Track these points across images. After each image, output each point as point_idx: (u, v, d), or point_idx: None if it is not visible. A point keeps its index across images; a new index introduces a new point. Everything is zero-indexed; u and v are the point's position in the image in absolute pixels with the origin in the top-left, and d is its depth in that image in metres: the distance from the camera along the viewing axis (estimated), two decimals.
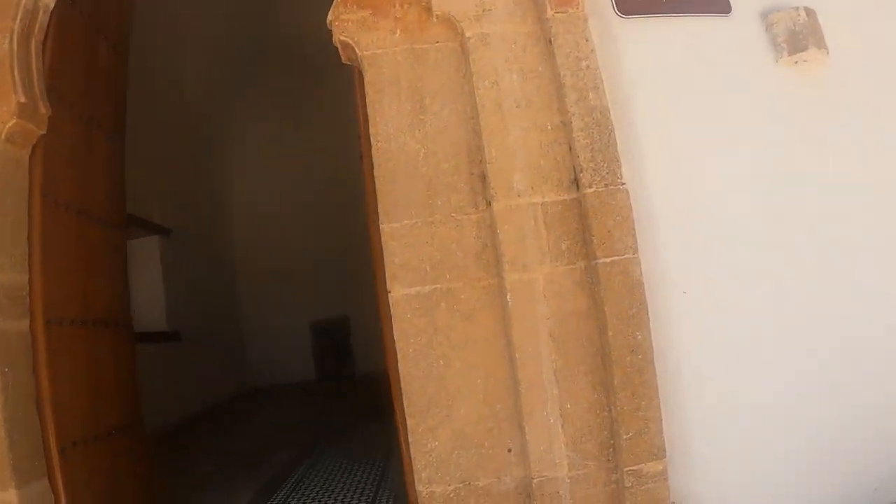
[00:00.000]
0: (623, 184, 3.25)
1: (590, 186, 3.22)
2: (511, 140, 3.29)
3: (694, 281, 3.34)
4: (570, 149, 3.30)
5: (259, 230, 9.69)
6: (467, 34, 3.39)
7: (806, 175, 3.46)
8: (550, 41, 3.37)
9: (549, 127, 3.34)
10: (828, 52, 3.36)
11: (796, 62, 3.55)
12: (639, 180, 3.35)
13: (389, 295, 3.29)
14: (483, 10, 3.44)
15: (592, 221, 3.20)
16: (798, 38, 3.55)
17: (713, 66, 3.52)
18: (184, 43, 7.79)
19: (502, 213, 3.23)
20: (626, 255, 3.21)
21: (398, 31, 3.49)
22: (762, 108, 3.50)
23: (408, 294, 3.28)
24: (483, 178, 3.31)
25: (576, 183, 3.27)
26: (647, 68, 3.47)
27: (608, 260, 3.19)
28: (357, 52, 3.49)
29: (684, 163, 3.42)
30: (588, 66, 3.34)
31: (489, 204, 3.27)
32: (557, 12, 3.38)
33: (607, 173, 3.24)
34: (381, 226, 3.32)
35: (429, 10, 3.45)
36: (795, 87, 3.53)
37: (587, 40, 3.39)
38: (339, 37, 3.50)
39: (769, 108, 3.51)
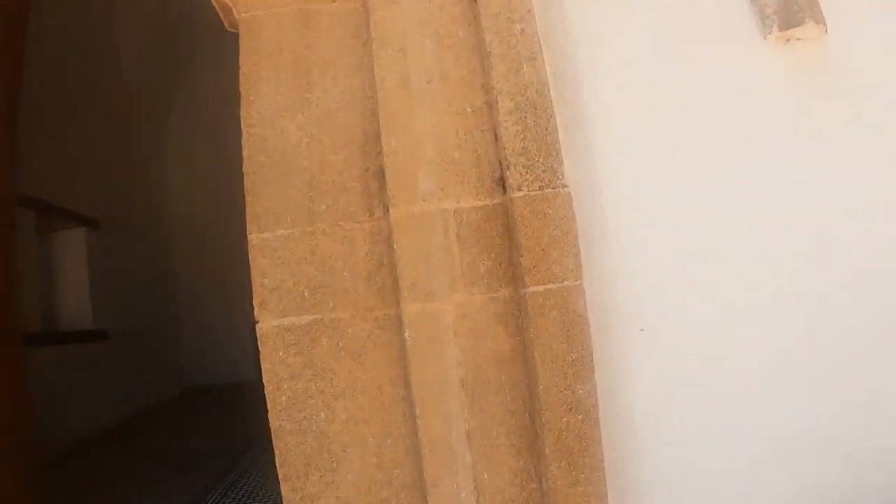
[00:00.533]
0: (565, 186, 2.45)
1: (519, 189, 2.43)
2: (418, 126, 2.50)
3: (656, 315, 2.54)
4: (497, 138, 2.49)
5: (199, 223, 8.95)
6: None
7: (802, 187, 2.63)
8: None
9: (469, 109, 2.54)
10: (826, 30, 2.64)
11: (788, 40, 2.72)
12: (588, 181, 2.55)
13: (257, 326, 2.52)
14: None
15: (522, 236, 2.40)
16: (792, 10, 2.73)
17: (687, 39, 2.70)
18: (120, 20, 7.07)
19: (402, 222, 2.44)
20: (565, 283, 2.41)
21: None
22: (747, 97, 2.66)
23: (280, 326, 2.51)
24: (380, 175, 2.51)
25: (502, 184, 2.48)
26: (603, 36, 2.66)
27: (541, 288, 2.39)
28: (235, 13, 2.71)
29: (648, 161, 2.60)
30: (524, 31, 2.54)
31: (387, 210, 2.48)
32: None
33: (543, 171, 2.44)
34: (249, 236, 2.54)
35: None
36: (788, 73, 2.69)
37: None
38: None
39: (756, 97, 2.67)
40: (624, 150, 2.59)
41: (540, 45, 2.54)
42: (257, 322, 2.53)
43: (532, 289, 2.39)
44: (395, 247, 2.44)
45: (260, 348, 2.53)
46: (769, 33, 2.85)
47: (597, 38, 2.66)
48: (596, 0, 2.69)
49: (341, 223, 2.53)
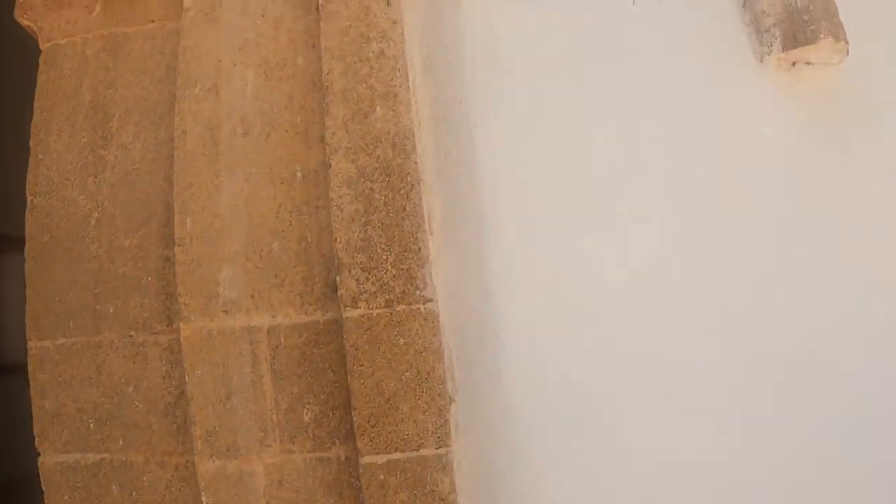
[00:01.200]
0: (428, 300, 1.57)
1: (354, 304, 1.58)
2: (225, 200, 1.71)
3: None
4: (331, 223, 1.65)
5: None
6: (187, 2, 1.84)
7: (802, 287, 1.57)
8: (319, 7, 1.72)
9: (300, 175, 1.71)
10: (847, 50, 1.84)
11: (794, 64, 1.83)
12: (472, 293, 1.64)
13: (39, 460, 1.89)
14: None
15: (355, 378, 1.56)
16: (801, 21, 1.83)
17: (645, 66, 1.72)
18: None
19: (195, 343, 1.68)
20: (420, 451, 1.54)
21: (98, 6, 2.01)
22: (729, 152, 1.69)
23: (63, 464, 1.86)
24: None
25: (336, 292, 1.63)
26: (513, 58, 1.71)
27: (381, 459, 1.55)
28: (40, 43, 2.07)
29: (576, 252, 1.64)
30: (382, 54, 1.66)
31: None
32: None
33: (394, 277, 1.57)
34: (28, 343, 1.92)
35: None
36: (792, 113, 1.78)
37: (389, 3, 1.70)
38: (21, 18, 2.10)
39: (742, 152, 1.69)
40: (536, 237, 1.64)
41: (406, 76, 1.65)
42: (39, 454, 1.91)
43: (368, 459, 1.54)
44: (186, 378, 1.69)
45: (44, 488, 1.91)
46: (767, 54, 1.86)
47: (504, 63, 1.71)
48: (507, 2, 1.74)
49: (132, 333, 1.81)
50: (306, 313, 1.66)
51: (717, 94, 1.82)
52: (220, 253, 1.69)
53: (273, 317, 1.67)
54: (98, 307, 1.84)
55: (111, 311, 1.83)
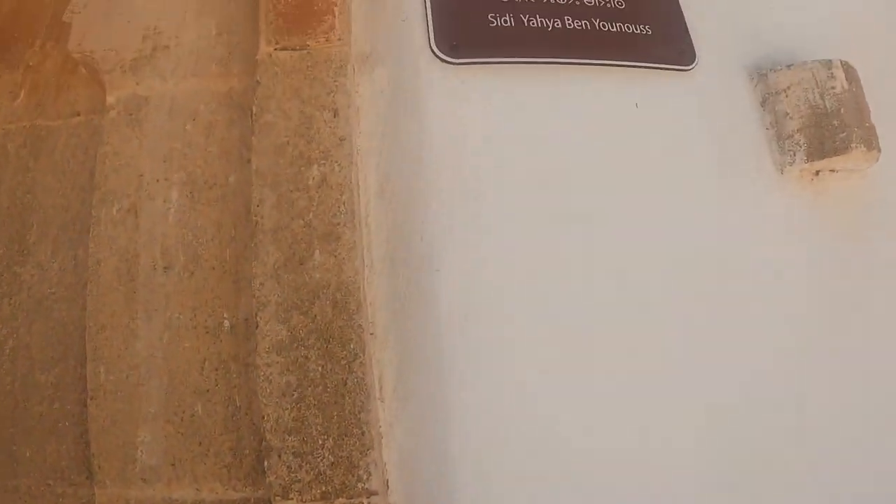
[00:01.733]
0: (373, 493, 1.29)
1: (286, 495, 1.30)
2: (142, 349, 1.45)
3: None
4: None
5: None
6: (110, 98, 1.56)
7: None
8: (253, 115, 1.42)
9: (227, 324, 1.44)
10: (878, 157, 1.67)
11: (818, 172, 1.64)
12: (433, 468, 1.35)
13: None
14: (153, 49, 1.58)
15: None
16: (830, 128, 1.62)
17: (645, 183, 1.45)
18: None
19: None
20: None
21: (23, 91, 1.75)
22: (750, 287, 1.50)
23: None
24: None
25: (263, 473, 1.36)
26: (493, 181, 1.40)
27: None
28: None
29: (557, 429, 1.33)
30: (325, 181, 1.37)
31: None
32: (281, 48, 1.42)
33: (335, 464, 1.29)
34: None
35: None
36: (814, 228, 1.60)
37: (337, 114, 1.38)
38: None
39: (764, 286, 1.51)
40: (506, 412, 1.33)
41: (353, 212, 1.34)
42: None
43: None
44: None
45: None
46: (790, 164, 1.64)
47: (476, 187, 1.39)
48: (487, 120, 1.42)
49: (50, 482, 1.58)
50: (234, 489, 1.40)
51: (729, 212, 1.57)
52: (136, 411, 1.43)
53: (197, 490, 1.41)
54: (14, 448, 1.61)
55: (28, 454, 1.60)
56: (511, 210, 1.41)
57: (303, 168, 1.36)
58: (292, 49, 1.44)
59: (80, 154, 1.65)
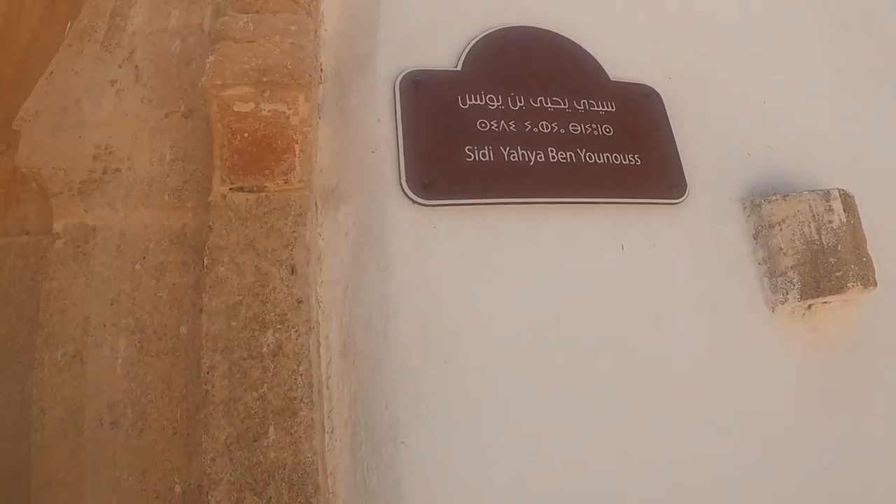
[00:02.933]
0: None
1: None
2: None
3: None
4: None
5: None
6: (57, 226, 1.44)
7: None
8: (205, 267, 1.30)
9: (178, 489, 1.33)
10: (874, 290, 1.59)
11: (810, 307, 1.56)
12: None
13: None
14: (103, 172, 1.47)
15: None
16: (827, 265, 1.53)
17: (638, 330, 1.42)
18: None
19: None
20: None
21: None
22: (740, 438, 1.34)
23: None
24: None
25: None
26: (467, 344, 1.30)
27: None
28: None
29: None
30: (280, 349, 1.26)
31: None
32: (237, 189, 1.30)
33: None
34: None
35: None
36: (808, 376, 1.51)
37: (295, 271, 1.28)
38: None
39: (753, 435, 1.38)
40: None
41: (311, 384, 1.23)
42: None
43: None
44: None
45: None
46: (781, 302, 1.55)
47: (450, 352, 1.28)
48: (440, 252, 1.30)
49: None
50: None
51: (717, 354, 1.48)
52: None
53: None
54: None
55: None
56: (488, 378, 1.30)
57: (257, 333, 1.25)
58: (249, 190, 1.31)
59: (27, 279, 1.54)
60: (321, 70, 1.51)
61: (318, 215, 1.39)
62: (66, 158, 1.49)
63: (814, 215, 1.55)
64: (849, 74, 1.85)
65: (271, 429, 1.23)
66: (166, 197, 1.43)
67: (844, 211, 1.56)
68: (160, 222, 1.41)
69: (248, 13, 1.35)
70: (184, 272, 1.38)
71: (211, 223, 1.31)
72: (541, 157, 1.41)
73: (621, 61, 1.61)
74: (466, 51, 1.48)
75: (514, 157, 1.39)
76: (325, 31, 1.53)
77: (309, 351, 1.25)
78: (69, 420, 1.38)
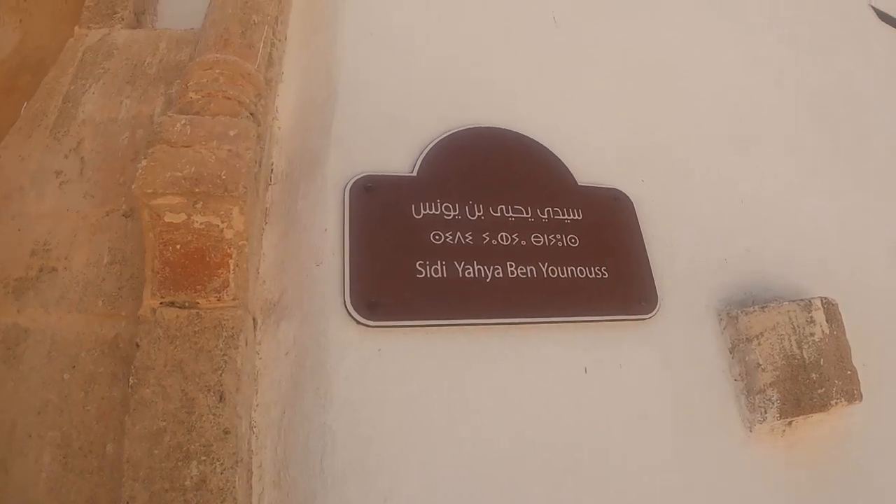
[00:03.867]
0: None
1: None
2: None
3: None
4: None
5: None
6: None
7: None
8: (130, 387, 1.22)
9: None
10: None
11: (791, 423, 1.46)
12: None
13: None
14: (39, 270, 1.44)
15: None
16: (806, 381, 1.42)
17: (605, 456, 1.31)
18: None
19: None
20: None
21: None
22: None
23: None
24: None
25: None
26: (415, 493, 1.19)
27: None
28: None
29: None
30: (204, 483, 1.17)
31: None
32: (168, 304, 1.23)
33: None
34: None
35: None
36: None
37: (223, 399, 1.20)
38: None
39: None
40: None
41: None
42: None
43: None
44: None
45: None
46: (760, 422, 1.43)
47: (380, 490, 1.18)
48: (385, 379, 1.20)
49: None
50: None
51: (691, 478, 1.36)
52: None
53: None
54: None
55: None
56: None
57: (180, 463, 1.17)
58: (180, 306, 1.24)
59: None
60: (272, 170, 1.44)
61: (258, 332, 1.31)
62: (4, 251, 1.44)
63: (794, 328, 1.45)
64: (830, 168, 1.75)
65: None
66: (100, 303, 1.36)
67: (827, 321, 1.46)
68: (93, 330, 1.34)
69: (188, 114, 1.28)
70: (113, 385, 1.31)
71: (139, 340, 1.23)
72: (499, 273, 1.32)
73: (590, 164, 1.52)
74: (423, 154, 1.40)
75: (469, 273, 1.31)
76: (279, 128, 1.46)
77: (234, 487, 1.16)
78: None
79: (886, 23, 2.42)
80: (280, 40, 1.53)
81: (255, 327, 1.31)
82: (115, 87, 1.56)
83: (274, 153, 1.45)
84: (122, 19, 1.71)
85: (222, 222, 1.21)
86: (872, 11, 2.46)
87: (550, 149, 1.51)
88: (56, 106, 1.56)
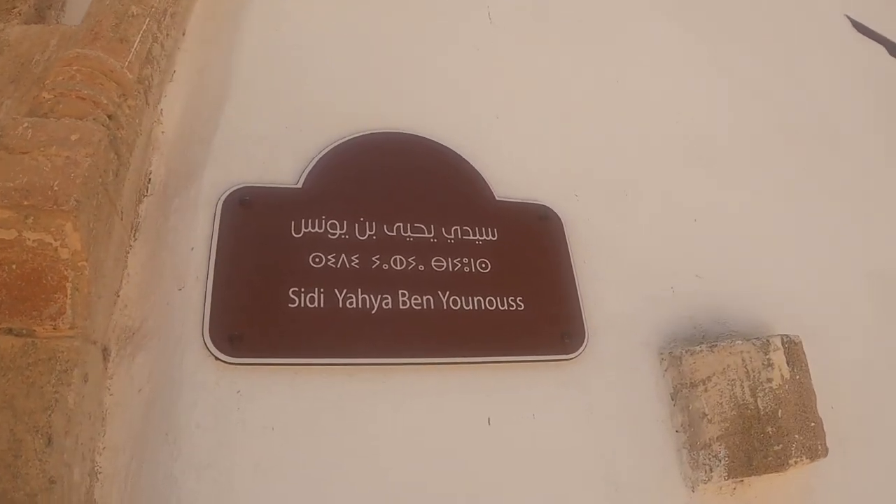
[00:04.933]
0: None
1: None
2: None
3: None
4: None
5: None
6: None
7: None
8: None
9: None
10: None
11: (737, 487, 1.22)
12: None
13: None
14: None
15: None
16: (760, 436, 1.21)
17: None
18: None
19: None
20: None
21: None
22: None
23: None
24: None
25: None
26: None
27: None
28: None
29: None
30: None
31: None
32: (5, 330, 1.08)
33: None
34: None
35: None
36: None
37: (51, 443, 1.03)
38: None
39: None
40: None
41: None
42: None
43: None
44: None
45: None
46: (704, 482, 1.20)
47: None
48: (244, 430, 1.02)
49: None
50: None
51: None
52: None
53: None
54: None
55: None
56: None
57: None
58: (17, 334, 1.08)
59: None
60: (149, 180, 1.28)
61: (110, 364, 1.14)
62: None
63: (748, 371, 1.22)
64: (798, 187, 1.52)
65: None
66: None
67: (788, 364, 1.23)
68: None
69: (35, 115, 1.13)
70: None
71: None
72: (387, 303, 1.13)
73: (513, 175, 1.32)
74: (313, 164, 1.22)
75: (351, 303, 1.12)
76: (163, 132, 1.31)
77: None
78: None
79: (863, 34, 2.18)
80: (168, 35, 1.38)
81: (106, 359, 1.15)
82: None
83: (154, 161, 1.30)
84: (20, 14, 1.59)
85: (55, 240, 1.05)
86: (848, 22, 2.22)
87: (465, 157, 1.31)
88: None
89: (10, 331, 1.10)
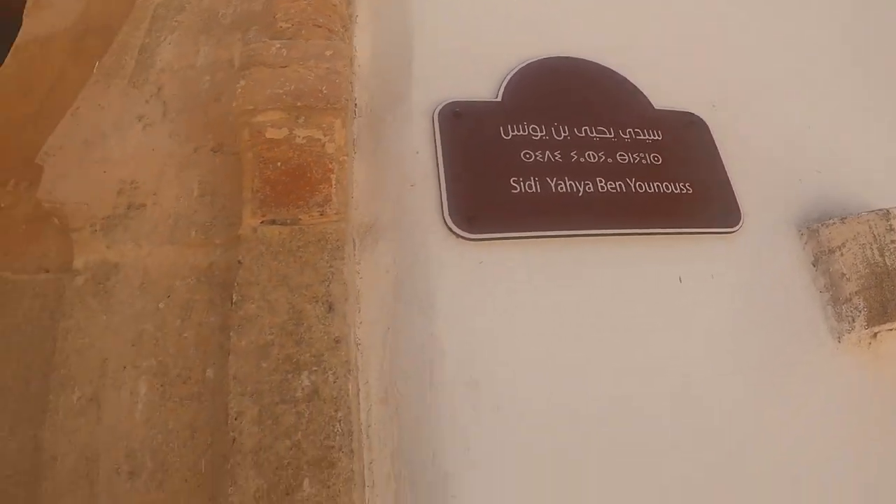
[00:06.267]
0: None
1: None
2: None
3: None
4: None
5: None
6: (78, 262, 1.39)
7: None
8: (233, 304, 1.22)
9: None
10: None
11: (876, 335, 1.45)
12: None
13: None
14: (127, 207, 1.44)
15: None
16: (892, 287, 1.43)
17: (695, 370, 1.32)
18: None
19: None
20: None
21: None
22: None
23: None
24: None
25: None
26: (516, 392, 1.20)
27: None
28: None
29: None
30: (316, 392, 1.17)
31: None
32: (269, 222, 1.24)
33: None
34: None
35: None
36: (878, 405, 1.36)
37: (332, 309, 1.20)
38: None
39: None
40: None
41: (350, 433, 1.14)
42: None
43: None
44: None
45: None
46: (848, 331, 1.44)
47: (487, 397, 1.18)
48: (486, 291, 1.21)
49: None
50: None
51: (782, 393, 1.37)
52: None
53: None
54: None
55: None
56: (545, 425, 1.19)
57: (290, 375, 1.16)
58: (282, 223, 1.24)
59: (45, 319, 1.45)
60: (355, 104, 1.47)
61: (356, 252, 1.31)
62: (90, 193, 1.44)
63: (875, 236, 1.47)
64: (886, 93, 1.80)
65: (306, 481, 1.12)
66: (193, 233, 1.36)
67: None
68: (186, 259, 1.34)
69: (280, 39, 1.31)
70: (211, 312, 1.30)
71: (241, 258, 1.23)
72: (589, 188, 1.35)
73: (664, 90, 1.57)
74: (506, 82, 1.44)
75: (561, 188, 1.33)
76: (359, 66, 1.50)
77: (348, 395, 1.15)
78: (83, 469, 1.27)
79: None
80: None
81: (353, 247, 1.32)
82: (191, 38, 1.59)
83: (356, 89, 1.48)
84: None
85: (324, 136, 1.23)
86: None
87: (626, 77, 1.55)
88: (132, 58, 1.59)
89: (274, 221, 1.27)
